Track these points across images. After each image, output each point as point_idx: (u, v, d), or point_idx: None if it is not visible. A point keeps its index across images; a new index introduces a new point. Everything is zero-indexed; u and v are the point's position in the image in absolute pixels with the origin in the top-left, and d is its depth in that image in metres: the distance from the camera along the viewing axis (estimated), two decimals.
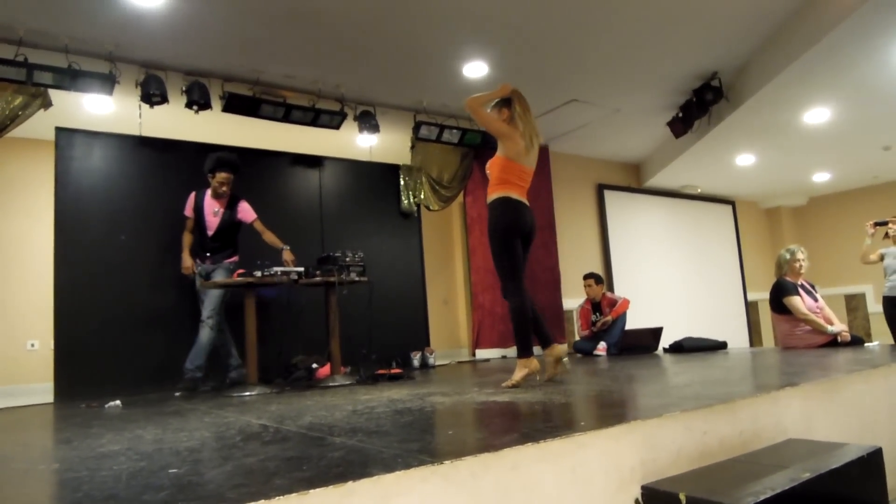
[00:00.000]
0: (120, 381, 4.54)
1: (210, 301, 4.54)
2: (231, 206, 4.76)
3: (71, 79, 4.42)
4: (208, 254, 4.74)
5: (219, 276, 4.60)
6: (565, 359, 3.48)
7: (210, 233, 4.71)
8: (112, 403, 3.83)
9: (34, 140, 5.60)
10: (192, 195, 4.76)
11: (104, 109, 5.17)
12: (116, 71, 4.62)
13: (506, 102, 3.55)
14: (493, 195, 3.47)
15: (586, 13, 4.72)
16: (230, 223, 4.75)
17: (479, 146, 6.53)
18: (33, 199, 5.87)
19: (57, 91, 4.51)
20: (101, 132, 5.07)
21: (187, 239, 4.76)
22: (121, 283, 4.91)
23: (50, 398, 4.56)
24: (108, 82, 4.55)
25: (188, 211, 4.75)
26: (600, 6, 4.63)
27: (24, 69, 4.24)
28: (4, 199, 5.87)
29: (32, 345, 5.81)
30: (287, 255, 4.62)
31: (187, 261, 4.71)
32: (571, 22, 4.84)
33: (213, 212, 4.71)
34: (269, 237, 4.74)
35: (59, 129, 4.89)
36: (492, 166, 3.56)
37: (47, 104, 4.60)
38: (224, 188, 4.66)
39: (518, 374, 3.29)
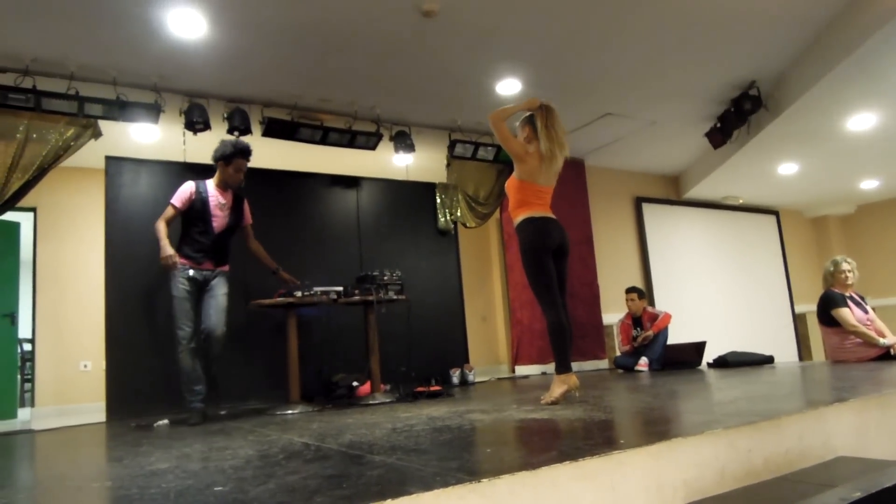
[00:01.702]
0: (168, 401, 4.63)
1: (224, 317, 4.07)
2: (237, 204, 4.24)
3: (119, 109, 4.61)
4: (207, 256, 4.07)
5: (221, 288, 4.10)
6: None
7: (217, 231, 4.10)
8: (160, 422, 3.94)
9: (85, 168, 5.82)
10: (192, 186, 4.08)
11: (150, 138, 5.36)
12: (161, 101, 4.79)
13: (531, 118, 3.54)
14: (517, 218, 3.51)
15: (619, 27, 4.71)
16: (237, 223, 4.24)
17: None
18: (85, 225, 6.11)
19: (106, 121, 4.69)
20: (148, 160, 5.25)
21: (165, 227, 3.96)
22: (168, 305, 5.03)
23: (102, 417, 4.71)
24: (153, 112, 4.73)
25: (182, 203, 4.03)
26: (633, 20, 4.61)
27: (76, 102, 4.45)
28: (58, 226, 6.13)
29: (85, 365, 6.01)
30: (284, 274, 4.49)
31: (170, 248, 3.90)
32: (604, 36, 4.84)
33: (219, 206, 4.12)
34: (262, 250, 4.43)
35: (108, 158, 5.07)
36: (509, 188, 3.60)
37: (97, 134, 4.78)
38: (241, 176, 4.12)
39: (557, 391, 3.27)
